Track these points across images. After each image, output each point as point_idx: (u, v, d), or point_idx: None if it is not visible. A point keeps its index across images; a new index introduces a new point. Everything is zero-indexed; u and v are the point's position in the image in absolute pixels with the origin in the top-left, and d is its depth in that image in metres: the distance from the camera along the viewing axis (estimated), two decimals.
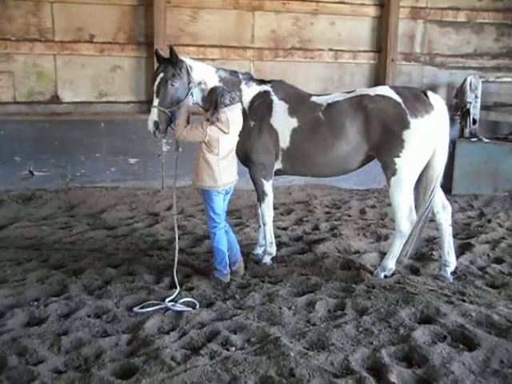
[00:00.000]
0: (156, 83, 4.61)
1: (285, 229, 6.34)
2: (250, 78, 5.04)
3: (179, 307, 4.19)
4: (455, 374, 3.26)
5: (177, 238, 4.75)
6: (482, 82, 8.39)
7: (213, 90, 4.47)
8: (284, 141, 4.87)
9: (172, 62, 4.59)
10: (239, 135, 4.63)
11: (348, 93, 4.88)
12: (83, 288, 4.56)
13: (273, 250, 5.21)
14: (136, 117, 7.60)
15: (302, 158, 4.89)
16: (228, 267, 4.75)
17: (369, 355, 3.51)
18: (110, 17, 7.54)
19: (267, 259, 5.19)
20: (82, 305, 4.21)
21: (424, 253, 5.50)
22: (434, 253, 5.43)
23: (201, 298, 4.40)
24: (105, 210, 6.94)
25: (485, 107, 8.59)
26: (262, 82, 5.07)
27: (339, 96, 4.88)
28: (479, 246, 5.68)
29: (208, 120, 4.36)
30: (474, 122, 8.38)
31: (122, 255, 5.34)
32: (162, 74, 4.59)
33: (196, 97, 4.76)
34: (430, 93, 4.73)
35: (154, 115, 4.59)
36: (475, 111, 8.35)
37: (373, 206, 7.46)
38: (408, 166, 4.57)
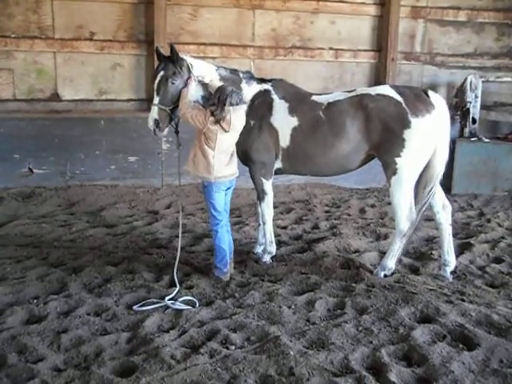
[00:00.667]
0: (156, 81, 4.60)
1: (284, 228, 6.34)
2: (250, 76, 5.02)
3: (179, 305, 4.19)
4: (455, 373, 3.27)
5: (180, 236, 4.76)
6: (482, 81, 8.38)
7: (222, 89, 4.42)
8: (284, 140, 4.86)
9: (172, 60, 4.58)
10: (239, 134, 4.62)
11: (348, 92, 4.88)
12: (83, 286, 4.56)
13: (272, 248, 5.21)
14: (136, 115, 7.60)
15: (302, 157, 4.89)
16: (228, 266, 4.75)
17: (368, 354, 3.51)
18: (110, 14, 7.53)
19: (267, 258, 5.19)
20: (81, 303, 4.21)
21: (424, 252, 5.51)
22: (433, 252, 5.44)
23: (200, 297, 4.40)
24: (104, 208, 6.94)
25: (485, 107, 8.59)
26: (262, 80, 5.06)
27: (340, 95, 4.87)
28: (479, 245, 5.68)
29: (212, 114, 4.35)
30: (474, 121, 8.38)
31: (121, 253, 5.34)
32: (162, 72, 4.58)
33: (196, 95, 4.74)
34: (430, 92, 4.72)
35: (154, 113, 4.58)
36: (475, 111, 8.35)
37: (373, 205, 7.46)
38: (408, 165, 4.57)
